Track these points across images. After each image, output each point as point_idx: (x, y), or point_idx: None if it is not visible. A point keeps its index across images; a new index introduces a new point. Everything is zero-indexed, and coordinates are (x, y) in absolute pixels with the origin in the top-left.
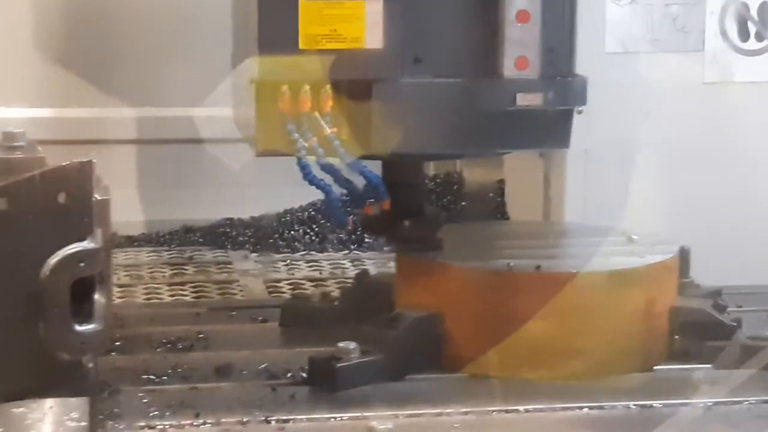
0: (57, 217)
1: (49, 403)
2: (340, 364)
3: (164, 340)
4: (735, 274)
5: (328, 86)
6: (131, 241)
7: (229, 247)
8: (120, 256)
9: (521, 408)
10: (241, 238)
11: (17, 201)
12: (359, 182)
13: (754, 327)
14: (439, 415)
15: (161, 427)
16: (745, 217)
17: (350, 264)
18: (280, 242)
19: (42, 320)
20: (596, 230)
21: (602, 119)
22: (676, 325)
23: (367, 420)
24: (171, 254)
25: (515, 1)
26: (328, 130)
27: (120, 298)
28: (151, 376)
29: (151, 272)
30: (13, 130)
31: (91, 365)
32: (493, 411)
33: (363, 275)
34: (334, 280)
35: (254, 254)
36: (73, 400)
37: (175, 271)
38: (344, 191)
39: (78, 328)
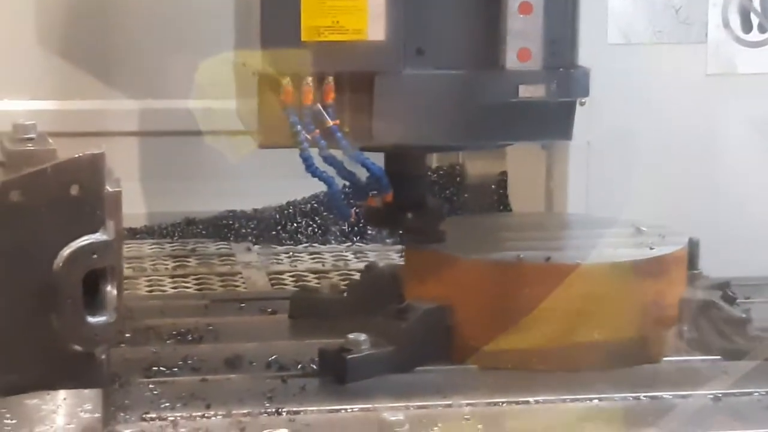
0: (69, 209)
1: (63, 395)
2: (350, 356)
3: (174, 332)
4: (736, 265)
5: (331, 78)
6: (134, 234)
7: (231, 239)
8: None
9: (531, 399)
10: (243, 230)
11: (30, 193)
12: (362, 174)
13: (763, 318)
14: (449, 406)
15: (172, 418)
16: (746, 208)
17: (353, 256)
18: (283, 234)
19: (55, 312)
20: (604, 222)
21: (605, 111)
22: (686, 316)
23: (378, 411)
24: (173, 246)
25: None
26: (330, 122)
27: (124, 290)
28: (162, 368)
29: (153, 264)
30: (24, 122)
31: (103, 357)
32: (503, 402)
33: (371, 267)
34: (336, 272)
35: (257, 246)
36: (86, 391)
37: (177, 263)
38: (347, 183)
39: (91, 319)
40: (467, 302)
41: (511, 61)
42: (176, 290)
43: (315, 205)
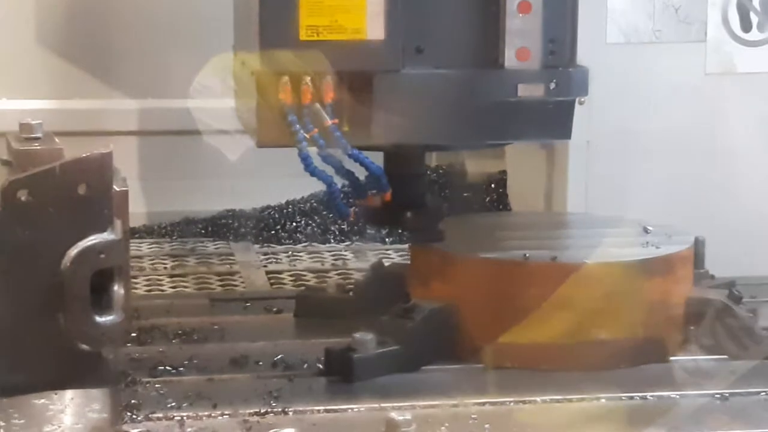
0: (77, 209)
1: (70, 395)
2: (357, 355)
3: (179, 331)
4: (735, 265)
5: (330, 77)
6: (133, 233)
7: (231, 238)
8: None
9: (538, 398)
10: (243, 230)
11: (38, 192)
12: (361, 173)
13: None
14: (456, 405)
15: (179, 418)
16: (745, 207)
17: (352, 255)
18: (282, 233)
19: (62, 312)
20: (609, 221)
21: (604, 110)
22: (692, 315)
23: (385, 411)
24: (172, 245)
25: None
26: (329, 121)
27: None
28: (168, 367)
29: (152, 264)
30: (31, 121)
31: (111, 356)
32: (511, 401)
33: (377, 266)
34: (335, 272)
35: (256, 245)
36: (93, 391)
37: (176, 263)
38: (346, 182)
39: (98, 319)
40: (474, 301)
41: (510, 60)
42: (175, 290)
43: (314, 204)
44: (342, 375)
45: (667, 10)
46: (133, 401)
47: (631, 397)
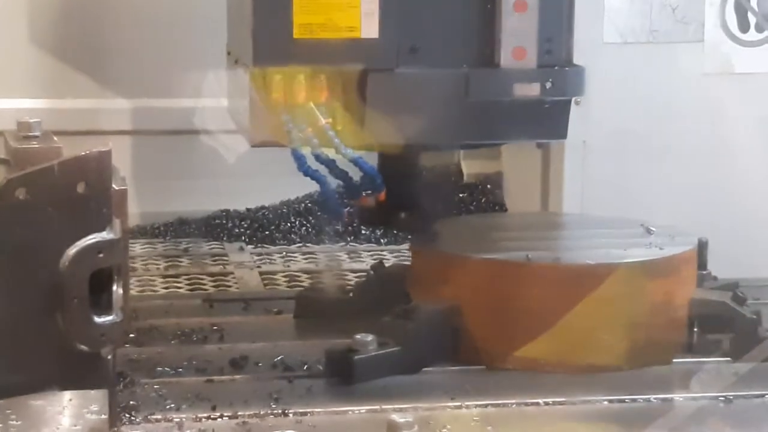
0: (76, 208)
1: (68, 396)
2: (357, 357)
3: (178, 332)
4: (735, 266)
5: (323, 76)
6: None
7: (224, 239)
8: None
9: (541, 401)
10: (236, 230)
11: (36, 191)
12: (355, 173)
13: None
14: (458, 407)
15: (178, 419)
16: (743, 208)
17: (346, 256)
18: (277, 234)
19: (61, 312)
20: (610, 221)
21: (600, 110)
22: (696, 317)
23: (386, 413)
24: (166, 246)
25: None
26: (323, 121)
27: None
28: (166, 369)
29: (145, 264)
30: (29, 119)
31: (109, 357)
32: (512, 403)
33: (378, 267)
34: (330, 273)
35: (250, 246)
36: (92, 392)
37: (169, 263)
38: (340, 182)
39: (97, 319)
40: (475, 302)
41: (506, 59)
42: (168, 290)
43: (309, 204)
44: (342, 376)
45: (664, 10)
46: (131, 402)
47: (634, 400)
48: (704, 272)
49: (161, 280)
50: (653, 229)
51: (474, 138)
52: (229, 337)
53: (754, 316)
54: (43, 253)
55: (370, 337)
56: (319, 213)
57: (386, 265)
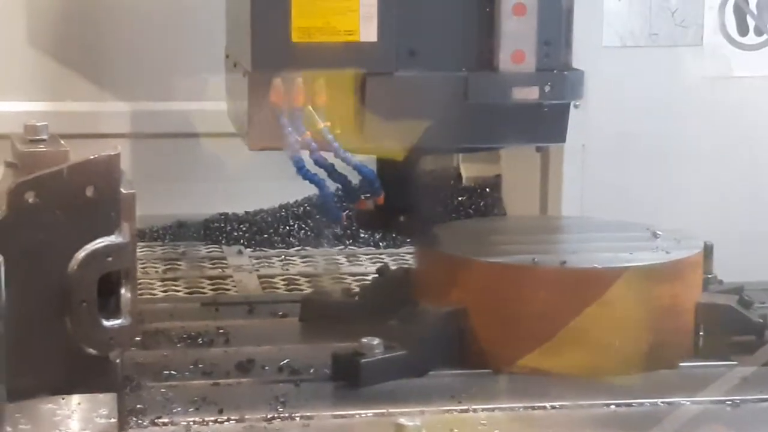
0: (84, 211)
1: (77, 400)
2: (364, 360)
3: (184, 335)
4: (736, 269)
5: (322, 79)
6: None
7: (223, 242)
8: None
9: (547, 404)
10: (235, 233)
11: (45, 194)
12: (354, 176)
13: None
14: (465, 411)
15: (185, 423)
16: (743, 211)
17: (345, 259)
18: (275, 237)
19: (69, 315)
20: (615, 225)
21: (599, 113)
22: (702, 321)
23: (393, 416)
24: (164, 249)
25: None
26: (321, 124)
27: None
28: (173, 372)
29: (143, 267)
30: (36, 123)
31: (118, 361)
32: (520, 407)
33: (384, 270)
34: (329, 276)
35: (249, 249)
36: (100, 396)
37: (168, 267)
38: (339, 186)
39: (106, 323)
40: (482, 306)
41: (505, 62)
42: (166, 293)
43: (308, 208)
44: (349, 380)
45: (664, 14)
46: (138, 406)
47: (641, 404)
48: (710, 276)
49: (160, 283)
50: (659, 232)
51: (473, 141)
52: (234, 340)
53: (761, 320)
54: (52, 256)
55: (376, 341)
56: (317, 216)
57: (392, 268)
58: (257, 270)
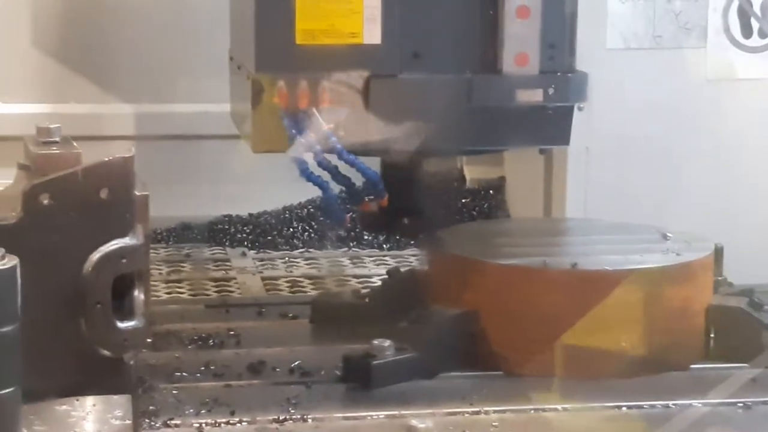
0: (99, 213)
1: (92, 401)
2: (375, 362)
3: (195, 337)
4: (739, 272)
5: (326, 82)
6: None
7: (227, 244)
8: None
9: (559, 406)
10: (239, 235)
11: (60, 196)
12: (357, 179)
13: None
14: (477, 413)
15: (197, 424)
16: (746, 213)
17: (349, 261)
18: (279, 239)
19: (84, 317)
20: (626, 227)
21: (603, 116)
22: (713, 323)
23: (404, 418)
24: (168, 251)
25: None
26: (325, 126)
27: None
28: (184, 374)
29: None
30: (49, 125)
31: (131, 363)
32: (531, 409)
33: (394, 272)
34: (332, 278)
35: (252, 251)
36: (115, 397)
37: (172, 269)
38: (342, 188)
39: (120, 325)
40: (492, 308)
41: (509, 65)
42: (170, 295)
43: (311, 210)
44: (360, 382)
45: (668, 16)
46: (150, 407)
47: (652, 406)
48: (720, 278)
49: (164, 285)
50: (669, 234)
51: (476, 144)
52: (245, 342)
53: None
54: (67, 258)
55: (387, 343)
56: (321, 218)
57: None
58: (261, 272)
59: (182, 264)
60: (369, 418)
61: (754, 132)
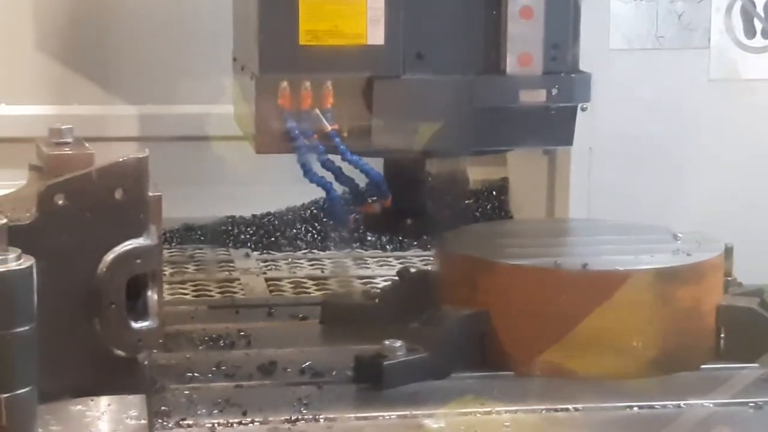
0: (113, 214)
1: (106, 401)
2: (387, 362)
3: (205, 338)
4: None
5: (329, 82)
6: None
7: (230, 245)
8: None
9: (570, 407)
10: (242, 237)
11: (75, 197)
12: (361, 180)
13: None
14: (488, 413)
15: (210, 425)
16: (750, 214)
17: (352, 262)
18: (282, 240)
19: (98, 317)
20: (636, 227)
21: (606, 116)
22: (724, 323)
23: (416, 418)
24: (172, 252)
25: None
26: (329, 127)
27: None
28: (196, 374)
29: None
30: (61, 126)
31: (145, 363)
32: (543, 410)
33: (404, 272)
34: (336, 279)
35: (256, 252)
36: (129, 397)
37: (175, 270)
38: (346, 189)
39: (134, 325)
40: (504, 308)
41: (512, 65)
42: (174, 296)
43: (315, 211)
44: (372, 382)
45: (670, 16)
46: (162, 408)
47: (664, 406)
48: (729, 278)
49: (167, 286)
50: (680, 235)
51: (480, 144)
52: (256, 342)
53: None
54: (81, 258)
55: (398, 343)
56: (324, 219)
57: (412, 270)
58: (264, 273)
59: (185, 265)
60: (381, 418)
61: (756, 132)
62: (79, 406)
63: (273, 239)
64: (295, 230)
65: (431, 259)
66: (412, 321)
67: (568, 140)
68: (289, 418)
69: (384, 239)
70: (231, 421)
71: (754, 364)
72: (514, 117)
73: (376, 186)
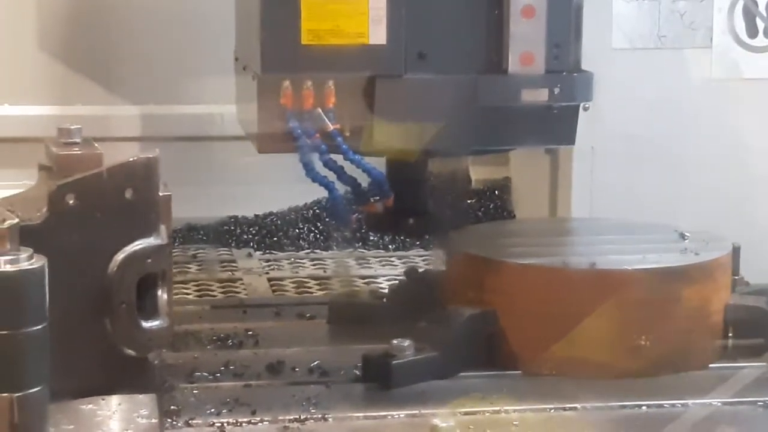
0: (124, 213)
1: (117, 400)
2: (395, 362)
3: (213, 337)
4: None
5: (331, 82)
6: None
7: (233, 245)
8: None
9: (578, 405)
10: (245, 237)
11: (85, 197)
12: (363, 179)
13: None
14: (497, 412)
15: (219, 424)
16: (752, 213)
17: (355, 262)
18: (285, 240)
19: (109, 317)
20: (644, 227)
21: (608, 116)
22: (732, 322)
23: (425, 417)
24: (174, 252)
25: None
26: (331, 126)
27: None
28: (204, 374)
29: None
30: (70, 126)
31: (156, 362)
32: (551, 408)
33: (412, 272)
34: (338, 279)
35: (258, 252)
36: (140, 396)
37: (178, 270)
38: (348, 188)
39: (145, 324)
40: (512, 307)
41: (514, 65)
42: (177, 296)
43: (317, 210)
44: (380, 381)
45: (673, 16)
46: (172, 407)
47: (672, 405)
48: (737, 277)
49: None
50: (687, 234)
51: (482, 144)
52: (264, 342)
53: None
54: (92, 258)
55: (407, 342)
56: (327, 219)
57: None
58: (267, 273)
59: (188, 265)
60: (389, 417)
61: (759, 131)
62: (90, 405)
63: (275, 239)
64: (297, 230)
65: (433, 258)
66: (419, 320)
67: (571, 139)
68: (297, 417)
69: (386, 239)
70: (240, 420)
71: (762, 363)
72: (516, 116)
73: (378, 185)
